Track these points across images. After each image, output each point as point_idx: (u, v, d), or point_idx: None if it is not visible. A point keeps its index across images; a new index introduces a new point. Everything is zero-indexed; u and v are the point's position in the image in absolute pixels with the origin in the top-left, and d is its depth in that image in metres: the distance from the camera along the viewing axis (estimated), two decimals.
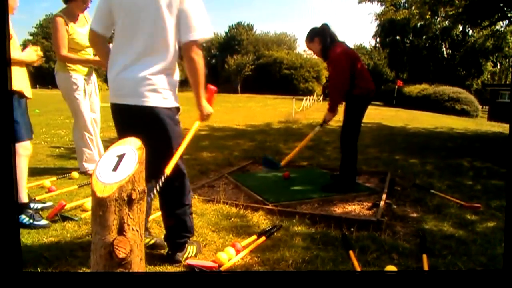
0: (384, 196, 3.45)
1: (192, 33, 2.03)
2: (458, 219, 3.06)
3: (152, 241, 2.43)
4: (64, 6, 3.79)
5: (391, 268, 2.16)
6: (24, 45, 2.77)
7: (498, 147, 8.01)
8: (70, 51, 3.76)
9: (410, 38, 39.84)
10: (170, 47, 2.06)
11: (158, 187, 1.88)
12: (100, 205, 1.26)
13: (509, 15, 9.99)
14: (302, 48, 57.27)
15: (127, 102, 2.05)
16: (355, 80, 3.54)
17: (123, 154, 1.36)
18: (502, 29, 12.93)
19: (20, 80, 2.65)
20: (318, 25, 3.71)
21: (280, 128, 9.91)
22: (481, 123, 17.37)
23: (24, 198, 2.72)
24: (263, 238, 2.53)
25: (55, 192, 3.48)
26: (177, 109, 2.17)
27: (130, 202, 1.30)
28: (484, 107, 26.56)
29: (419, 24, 24.50)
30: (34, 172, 3.97)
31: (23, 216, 2.64)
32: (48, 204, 3.12)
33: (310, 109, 18.66)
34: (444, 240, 2.64)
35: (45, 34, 48.68)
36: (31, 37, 49.62)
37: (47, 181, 3.72)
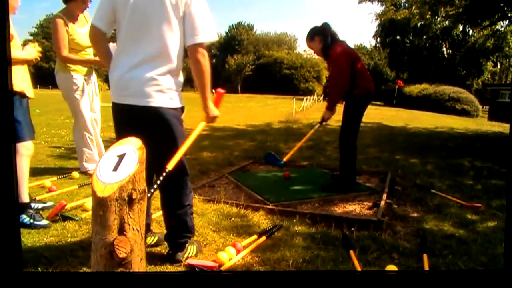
0: (384, 195, 3.45)
1: (198, 36, 2.04)
2: (458, 218, 3.06)
3: (156, 239, 2.45)
4: (64, 6, 3.79)
5: (391, 268, 2.16)
6: (24, 45, 2.77)
7: (499, 147, 8.00)
8: (70, 51, 3.76)
9: (411, 38, 39.85)
10: (176, 49, 2.07)
11: (159, 182, 1.87)
12: (101, 205, 1.26)
13: (509, 15, 9.99)
14: (302, 48, 57.33)
15: (133, 102, 2.04)
16: (355, 80, 3.54)
17: (124, 154, 1.36)
18: (503, 29, 12.93)
19: (21, 80, 2.65)
20: (319, 24, 3.71)
21: (280, 128, 9.91)
22: (481, 123, 17.36)
23: (25, 198, 2.72)
24: (263, 238, 2.53)
25: (56, 192, 3.48)
26: (182, 109, 2.19)
27: (130, 202, 1.30)
28: (484, 107, 26.56)
29: (419, 24, 24.52)
30: (35, 172, 3.97)
31: (23, 216, 2.64)
32: (49, 204, 3.12)
33: (310, 109, 18.66)
34: (445, 240, 2.64)
35: (45, 34, 48.70)
36: (31, 37, 49.63)
37: (47, 181, 3.72)
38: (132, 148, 1.37)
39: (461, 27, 33.44)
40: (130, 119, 2.08)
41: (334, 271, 2.16)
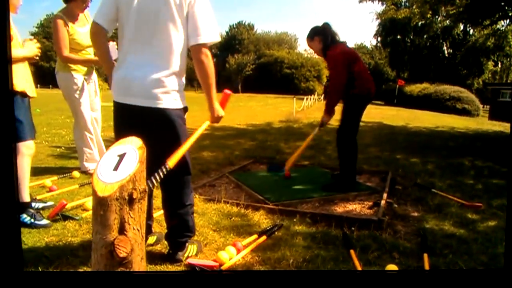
0: (385, 195, 3.45)
1: (200, 36, 2.04)
2: (459, 218, 3.06)
3: (156, 239, 2.46)
4: (64, 5, 3.79)
5: (392, 267, 2.16)
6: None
7: (499, 146, 8.00)
8: (71, 51, 3.75)
9: (411, 37, 39.82)
10: (181, 49, 2.08)
11: (158, 178, 1.85)
12: (101, 204, 1.26)
13: (510, 14, 9.98)
14: (303, 47, 57.29)
15: (138, 103, 2.04)
16: (354, 81, 3.55)
17: (124, 154, 1.36)
18: (503, 28, 12.93)
19: (23, 79, 2.64)
20: (319, 24, 3.71)
21: (281, 128, 9.91)
22: (482, 122, 17.35)
23: (25, 197, 2.72)
24: (264, 237, 2.53)
25: (56, 192, 3.49)
26: (185, 109, 2.20)
27: (131, 201, 1.30)
28: (485, 106, 26.55)
29: (420, 23, 24.49)
30: (35, 171, 3.97)
31: (24, 215, 2.64)
32: (49, 203, 3.12)
33: (311, 109, 18.67)
34: (445, 239, 2.64)
35: (46, 33, 48.75)
36: (31, 37, 49.64)
37: (48, 181, 3.73)
38: (133, 148, 1.37)
39: (461, 27, 33.42)
40: (133, 119, 2.07)
41: (334, 271, 2.16)
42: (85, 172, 4.12)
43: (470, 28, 30.20)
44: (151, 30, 2.03)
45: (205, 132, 2.22)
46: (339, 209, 3.31)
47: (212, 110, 2.25)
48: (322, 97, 26.12)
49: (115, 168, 1.31)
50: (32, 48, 2.70)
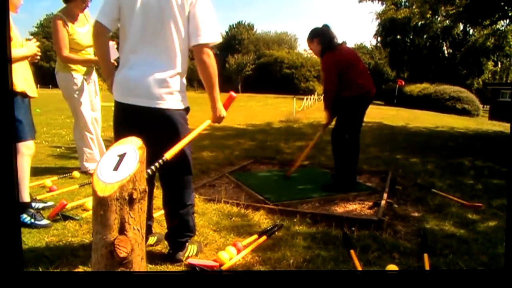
0: (385, 195, 3.45)
1: (201, 37, 2.05)
2: (459, 218, 3.06)
3: (156, 239, 2.46)
4: (64, 5, 3.78)
5: (392, 267, 2.16)
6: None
7: (499, 146, 8.00)
8: (71, 51, 3.75)
9: (411, 37, 39.80)
10: (183, 50, 2.09)
11: (154, 168, 1.81)
12: (101, 204, 1.26)
13: (510, 14, 9.97)
14: (302, 47, 57.27)
15: (141, 103, 2.04)
16: (345, 83, 3.61)
17: (124, 154, 1.36)
18: (503, 28, 12.92)
19: (23, 80, 2.64)
20: (319, 24, 3.74)
21: (281, 128, 9.91)
22: (482, 122, 17.34)
23: (26, 197, 2.72)
24: (264, 238, 2.53)
25: (56, 192, 3.49)
26: (187, 109, 2.20)
27: (131, 201, 1.30)
28: (485, 106, 26.53)
29: (419, 23, 24.53)
30: (35, 171, 3.97)
31: (24, 216, 2.64)
32: (49, 203, 3.12)
33: (310, 109, 18.67)
34: (445, 239, 2.63)
35: (45, 33, 48.74)
36: (31, 37, 49.69)
37: (48, 181, 3.73)
38: (133, 148, 1.37)
39: (461, 26, 33.43)
40: (136, 119, 2.07)
41: (334, 271, 2.16)
42: (85, 172, 4.12)
43: (470, 28, 30.21)
44: (154, 30, 2.03)
45: (205, 132, 2.22)
46: (339, 209, 3.31)
47: (214, 110, 2.25)
48: (322, 97, 26.12)
49: (115, 168, 1.31)
50: (32, 47, 2.70)
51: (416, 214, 3.18)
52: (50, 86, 31.08)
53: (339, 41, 3.77)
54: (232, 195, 3.62)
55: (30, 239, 2.48)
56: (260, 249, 2.42)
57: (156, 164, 1.81)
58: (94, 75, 4.12)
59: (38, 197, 3.25)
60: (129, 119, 2.10)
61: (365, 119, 3.87)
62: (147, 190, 1.37)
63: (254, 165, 5.06)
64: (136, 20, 2.03)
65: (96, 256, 1.31)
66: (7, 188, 1.59)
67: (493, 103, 22.84)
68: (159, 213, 2.77)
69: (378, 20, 31.47)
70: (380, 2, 14.60)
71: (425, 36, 38.19)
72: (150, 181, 2.29)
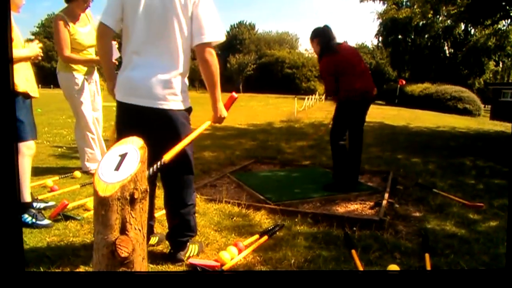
0: (386, 195, 3.45)
1: (204, 36, 2.05)
2: (460, 218, 3.06)
3: (157, 239, 2.46)
4: (65, 5, 3.78)
5: (393, 267, 2.16)
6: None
7: (501, 146, 7.99)
8: (72, 51, 3.76)
9: (412, 37, 39.75)
10: (186, 50, 2.09)
11: (152, 171, 1.80)
12: (103, 204, 1.26)
13: (511, 13, 9.96)
14: (304, 47, 57.33)
15: (145, 104, 2.04)
16: (342, 86, 3.65)
17: (125, 154, 1.36)
18: (505, 28, 12.90)
19: (25, 80, 2.64)
20: (320, 24, 3.74)
21: (282, 128, 9.91)
22: (483, 122, 17.33)
23: (27, 197, 2.72)
24: (265, 238, 2.53)
25: (58, 192, 3.49)
26: (190, 109, 2.20)
27: (132, 201, 1.30)
28: (486, 106, 26.49)
29: (421, 23, 24.49)
30: (37, 171, 3.97)
31: (25, 216, 2.64)
32: (51, 203, 3.12)
33: (312, 108, 18.67)
34: (447, 239, 2.63)
35: (47, 33, 48.80)
36: (33, 37, 49.71)
37: (49, 181, 3.73)
38: (134, 148, 1.37)
39: (463, 26, 33.32)
40: (139, 119, 2.07)
41: (336, 271, 2.16)
42: (86, 172, 4.12)
43: (471, 28, 30.13)
44: (157, 31, 2.03)
45: (206, 132, 2.23)
46: (341, 209, 3.31)
47: (215, 110, 2.25)
48: (323, 97, 26.09)
49: (117, 168, 1.31)
50: (34, 48, 2.70)
51: (417, 214, 3.17)
52: (52, 86, 31.13)
53: (340, 40, 3.78)
54: (233, 195, 3.62)
55: (32, 239, 2.49)
56: (261, 249, 2.42)
57: (155, 166, 1.81)
58: (96, 75, 4.13)
59: (40, 197, 3.25)
60: (132, 120, 2.10)
61: (367, 119, 3.88)
62: (148, 190, 1.37)
63: (255, 165, 5.06)
64: (139, 21, 2.03)
65: (97, 256, 1.32)
66: (9, 188, 1.59)
67: (495, 103, 22.82)
68: (160, 213, 2.77)
69: (380, 20, 31.50)
70: (381, 2, 14.56)
71: (426, 36, 38.12)
72: (152, 181, 2.29)
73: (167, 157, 1.88)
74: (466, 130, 11.39)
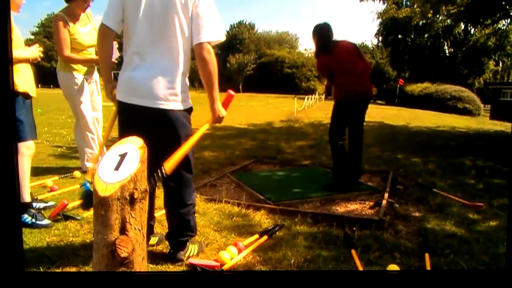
0: (386, 195, 3.45)
1: (204, 35, 2.05)
2: (460, 218, 3.06)
3: (157, 239, 2.46)
4: (65, 5, 3.78)
5: (393, 267, 2.16)
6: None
7: (500, 145, 7.99)
8: (72, 51, 3.76)
9: (412, 36, 39.72)
10: (187, 50, 2.10)
11: (154, 181, 1.81)
12: (102, 204, 1.26)
13: (511, 13, 9.96)
14: (303, 47, 57.32)
15: (146, 104, 2.05)
16: (336, 86, 3.72)
17: (125, 153, 1.36)
18: (504, 27, 12.90)
19: (25, 81, 2.64)
20: (322, 22, 3.76)
21: (282, 127, 9.91)
22: (483, 122, 17.32)
23: (26, 197, 2.72)
24: (265, 237, 2.53)
25: (57, 192, 3.49)
26: (191, 109, 2.21)
27: (132, 201, 1.30)
28: (486, 105, 26.48)
29: (421, 22, 24.49)
30: (36, 171, 3.97)
31: (25, 216, 2.64)
32: (50, 203, 3.12)
33: (311, 108, 18.66)
34: (446, 239, 2.63)
35: (46, 33, 48.76)
36: (32, 37, 49.72)
37: (49, 181, 3.73)
38: (134, 147, 1.37)
39: (462, 26, 33.28)
40: (139, 119, 2.07)
41: (335, 271, 2.16)
42: (86, 172, 4.11)
43: (471, 27, 30.13)
44: (158, 31, 2.04)
45: (206, 132, 2.22)
46: (340, 209, 3.31)
47: (213, 110, 2.24)
48: (323, 97, 26.06)
49: (116, 168, 1.31)
50: (34, 52, 2.71)
51: (417, 214, 3.17)
52: (51, 85, 31.10)
53: (340, 39, 3.78)
54: (233, 195, 3.62)
55: (31, 239, 2.49)
56: (261, 249, 2.42)
57: (155, 176, 1.81)
58: (96, 74, 4.12)
59: (39, 197, 3.25)
60: (133, 120, 2.10)
61: (366, 118, 3.88)
62: (148, 190, 1.37)
63: (255, 164, 5.06)
64: (140, 22, 2.04)
65: (97, 256, 1.32)
66: (8, 188, 1.59)
67: (494, 103, 22.82)
68: (160, 213, 2.77)
69: (379, 20, 31.48)
70: (381, 2, 14.54)
71: (426, 36, 38.10)
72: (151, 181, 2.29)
73: (168, 166, 1.88)
74: (466, 129, 11.39)
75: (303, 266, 2.22)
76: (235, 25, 57.66)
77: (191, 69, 2.22)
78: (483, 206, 3.31)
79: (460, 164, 5.31)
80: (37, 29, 54.52)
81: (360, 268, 2.18)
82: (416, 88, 27.56)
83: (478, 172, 4.80)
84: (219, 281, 1.82)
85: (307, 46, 59.22)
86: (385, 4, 14.82)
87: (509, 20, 11.54)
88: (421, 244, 2.53)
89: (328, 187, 3.74)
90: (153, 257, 2.25)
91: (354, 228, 2.74)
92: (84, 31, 3.81)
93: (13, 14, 2.53)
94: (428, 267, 2.20)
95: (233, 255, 2.26)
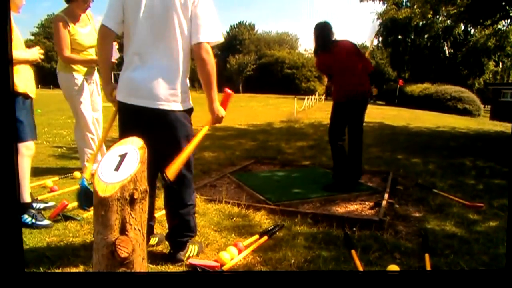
0: (386, 195, 3.45)
1: (203, 35, 2.05)
2: (460, 218, 3.06)
3: (157, 240, 2.46)
4: (66, 5, 3.78)
5: (393, 267, 2.16)
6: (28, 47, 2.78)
7: (500, 146, 7.99)
8: (72, 51, 3.75)
9: (412, 37, 39.70)
10: (187, 50, 2.10)
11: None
12: (102, 204, 1.26)
13: (511, 14, 9.96)
14: (303, 47, 57.33)
15: (147, 104, 2.05)
16: (335, 86, 3.75)
17: (125, 154, 1.36)
18: (504, 28, 12.90)
19: (25, 81, 2.65)
20: (323, 20, 3.78)
21: (282, 128, 9.91)
22: (483, 122, 17.32)
23: (26, 198, 2.72)
24: (265, 238, 2.53)
25: (57, 192, 3.49)
26: (191, 109, 2.21)
27: (132, 201, 1.30)
28: (486, 106, 26.48)
29: (421, 23, 24.44)
30: (36, 172, 3.97)
31: (25, 216, 2.65)
32: (50, 204, 3.12)
33: (312, 109, 18.66)
34: (446, 240, 2.63)
35: (46, 34, 48.76)
36: (32, 37, 49.74)
37: (49, 181, 3.73)
38: (134, 148, 1.37)
39: (462, 26, 33.25)
40: (140, 120, 2.07)
41: (335, 271, 2.16)
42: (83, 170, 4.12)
43: (471, 28, 30.09)
44: (158, 32, 2.04)
45: (206, 132, 2.22)
46: (340, 209, 3.31)
47: (212, 111, 2.24)
48: (323, 97, 26.05)
49: (116, 168, 1.31)
50: (34, 54, 2.71)
51: (417, 214, 3.17)
52: (51, 86, 31.12)
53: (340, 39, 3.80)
54: (233, 195, 3.62)
55: (31, 239, 2.49)
56: (261, 249, 2.42)
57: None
58: (96, 75, 4.12)
59: (39, 198, 3.25)
60: (133, 120, 2.10)
61: (366, 119, 3.88)
62: (148, 190, 1.37)
63: (255, 165, 5.06)
64: (140, 22, 2.04)
65: (97, 257, 1.32)
66: (8, 189, 1.59)
67: (494, 103, 22.81)
68: (160, 213, 2.77)
69: (379, 20, 31.46)
70: (381, 2, 14.53)
71: (426, 36, 38.07)
72: (152, 181, 2.29)
73: (170, 173, 1.89)
74: (466, 130, 11.39)
75: (303, 267, 2.22)
76: (235, 26, 57.65)
77: (191, 70, 2.22)
78: (483, 207, 3.31)
79: (460, 164, 5.31)
80: (37, 29, 54.58)
81: (360, 269, 2.18)
82: (416, 88, 27.55)
83: (478, 173, 4.80)
84: (219, 282, 1.82)
85: (307, 46, 59.23)
86: (385, 5, 14.81)
87: (509, 20, 11.55)
88: (421, 244, 2.53)
89: (328, 187, 3.74)
90: (153, 257, 2.25)
91: (354, 229, 2.74)
92: (84, 32, 3.81)
93: (13, 15, 2.53)
94: (428, 268, 2.20)
95: (233, 256, 2.26)
